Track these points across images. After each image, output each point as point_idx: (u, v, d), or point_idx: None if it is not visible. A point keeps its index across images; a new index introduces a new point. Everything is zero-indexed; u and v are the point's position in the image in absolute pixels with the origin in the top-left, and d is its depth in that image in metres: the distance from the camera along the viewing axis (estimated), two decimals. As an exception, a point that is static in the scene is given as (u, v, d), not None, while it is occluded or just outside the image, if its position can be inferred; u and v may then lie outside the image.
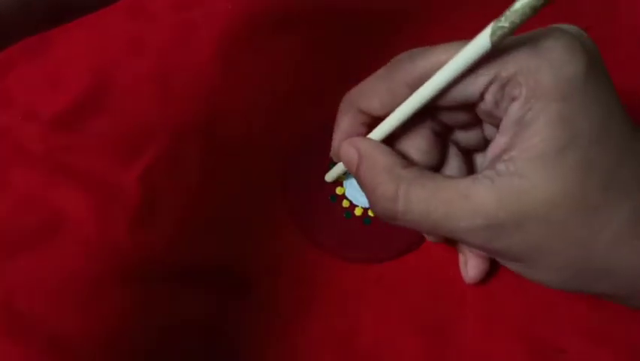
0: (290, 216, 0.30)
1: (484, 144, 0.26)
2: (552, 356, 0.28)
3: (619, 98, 0.22)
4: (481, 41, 0.20)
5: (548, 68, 0.21)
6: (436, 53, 0.22)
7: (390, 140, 0.25)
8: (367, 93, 0.25)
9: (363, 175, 0.24)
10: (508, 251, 0.22)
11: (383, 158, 0.24)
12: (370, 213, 0.30)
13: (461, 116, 0.24)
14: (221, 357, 0.27)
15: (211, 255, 0.29)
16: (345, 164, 0.25)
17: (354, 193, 0.30)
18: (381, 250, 0.29)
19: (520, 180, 0.21)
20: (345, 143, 0.25)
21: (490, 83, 0.21)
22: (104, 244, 0.28)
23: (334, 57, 0.34)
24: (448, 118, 0.25)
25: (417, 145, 0.25)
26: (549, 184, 0.21)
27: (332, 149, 0.26)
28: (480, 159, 0.27)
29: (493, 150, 0.23)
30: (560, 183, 0.21)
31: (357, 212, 0.30)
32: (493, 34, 0.20)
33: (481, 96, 0.22)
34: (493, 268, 0.29)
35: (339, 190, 0.30)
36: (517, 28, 0.20)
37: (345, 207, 0.30)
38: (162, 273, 0.28)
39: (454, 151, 0.26)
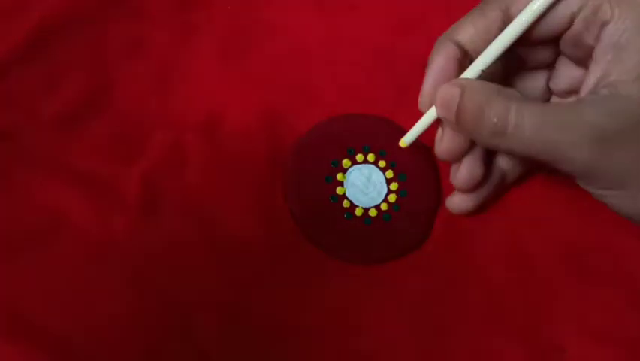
0: (290, 216, 0.30)
1: (544, 96, 0.27)
2: (552, 356, 0.28)
3: None
4: None
5: None
6: None
7: None
8: (462, 24, 0.25)
9: (467, 102, 0.24)
10: (609, 170, 0.22)
11: (488, 85, 0.24)
12: (371, 214, 0.30)
13: (540, 54, 0.25)
14: (221, 357, 0.27)
15: (211, 255, 0.29)
16: (444, 103, 0.25)
17: (354, 193, 0.30)
18: (381, 250, 0.29)
19: (626, 100, 0.22)
20: (444, 85, 0.25)
21: (582, 6, 0.22)
22: (104, 244, 0.28)
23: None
24: (528, 56, 0.26)
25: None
26: None
27: (421, 94, 0.26)
28: None
29: (589, 79, 0.23)
30: None
31: (358, 212, 0.30)
32: None
33: (572, 20, 0.23)
34: (493, 268, 0.29)
35: (339, 190, 0.30)
36: None
37: (346, 208, 0.30)
38: (162, 273, 0.28)
39: None
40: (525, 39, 0.24)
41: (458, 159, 0.28)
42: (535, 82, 0.27)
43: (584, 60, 0.24)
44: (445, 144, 0.27)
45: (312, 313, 0.28)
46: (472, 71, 0.25)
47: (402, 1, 0.35)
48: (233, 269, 0.29)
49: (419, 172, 0.31)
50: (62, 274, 0.28)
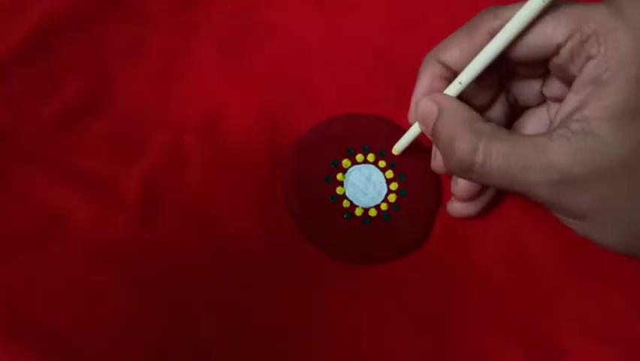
0: (290, 216, 0.30)
1: (538, 99, 0.27)
2: (552, 355, 0.28)
3: None
4: None
5: (630, 31, 0.21)
6: (518, 6, 0.23)
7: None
8: (448, 44, 0.26)
9: (441, 127, 0.25)
10: (576, 207, 0.23)
11: (464, 111, 0.25)
12: (371, 214, 0.30)
13: (532, 70, 0.26)
14: (221, 357, 0.27)
15: (211, 255, 0.29)
16: (423, 119, 0.26)
17: (354, 193, 0.30)
18: (381, 250, 0.29)
19: (594, 138, 0.22)
20: (424, 98, 0.26)
21: (569, 37, 0.22)
22: (104, 244, 0.28)
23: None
24: (519, 70, 0.27)
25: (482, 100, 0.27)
26: (621, 144, 0.22)
27: (411, 107, 0.27)
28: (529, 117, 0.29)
29: (565, 107, 0.23)
30: (632, 144, 0.22)
31: (358, 212, 0.30)
32: None
33: (558, 49, 0.23)
34: (493, 268, 0.29)
35: (339, 190, 0.30)
36: None
37: (346, 208, 0.30)
38: (162, 273, 0.28)
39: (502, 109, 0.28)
40: (514, 60, 0.25)
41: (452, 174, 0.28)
42: (530, 87, 0.28)
43: (570, 82, 0.24)
44: (439, 160, 0.27)
45: (312, 313, 0.28)
46: (454, 87, 0.26)
47: (402, 1, 0.35)
48: (233, 269, 0.29)
49: (419, 172, 0.31)
50: (62, 274, 0.28)
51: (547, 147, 0.22)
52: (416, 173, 0.31)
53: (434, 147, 0.28)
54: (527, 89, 0.28)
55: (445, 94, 0.26)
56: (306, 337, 0.28)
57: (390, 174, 0.30)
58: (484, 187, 0.29)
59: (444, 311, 0.28)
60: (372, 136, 0.31)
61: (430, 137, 0.26)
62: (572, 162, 0.22)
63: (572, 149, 0.22)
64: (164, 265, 0.28)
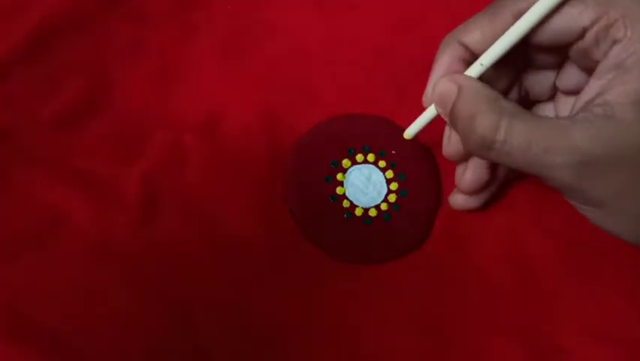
0: (290, 216, 0.30)
1: (549, 93, 0.27)
2: (552, 356, 0.28)
3: None
4: None
5: None
6: None
7: None
8: (470, 26, 0.26)
9: (462, 105, 0.24)
10: (594, 191, 0.23)
11: (485, 90, 0.24)
12: (371, 214, 0.30)
13: (550, 58, 0.26)
14: (221, 357, 0.27)
15: (211, 255, 0.29)
16: (441, 99, 0.25)
17: (354, 193, 0.30)
18: (381, 250, 0.29)
19: (617, 123, 0.22)
20: (443, 78, 0.25)
21: (595, 21, 0.22)
22: (104, 244, 0.28)
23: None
24: (537, 58, 0.26)
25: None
26: None
27: (427, 89, 0.27)
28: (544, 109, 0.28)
29: (587, 93, 0.23)
30: None
31: (358, 212, 0.30)
32: None
33: (583, 33, 0.23)
34: (493, 268, 0.29)
35: (339, 190, 0.30)
36: None
37: (346, 208, 0.30)
38: (162, 273, 0.28)
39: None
40: (535, 45, 0.25)
41: (465, 159, 0.28)
42: (543, 79, 0.27)
43: (590, 70, 0.24)
44: (453, 144, 0.27)
45: (312, 313, 0.28)
46: (474, 69, 0.25)
47: (402, 1, 0.35)
48: (233, 269, 0.29)
49: (419, 172, 0.31)
50: (62, 274, 0.28)
51: (569, 128, 0.22)
52: (416, 173, 0.31)
53: (447, 132, 0.27)
54: (541, 81, 0.27)
55: (466, 75, 0.25)
56: (306, 337, 0.28)
57: (390, 174, 0.30)
58: (489, 181, 0.28)
59: (444, 311, 0.28)
60: (372, 136, 0.31)
61: (446, 118, 0.26)
62: (595, 144, 0.22)
63: (595, 131, 0.22)
64: (164, 265, 0.28)
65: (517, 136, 0.23)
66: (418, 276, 0.29)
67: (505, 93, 0.28)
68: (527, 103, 0.29)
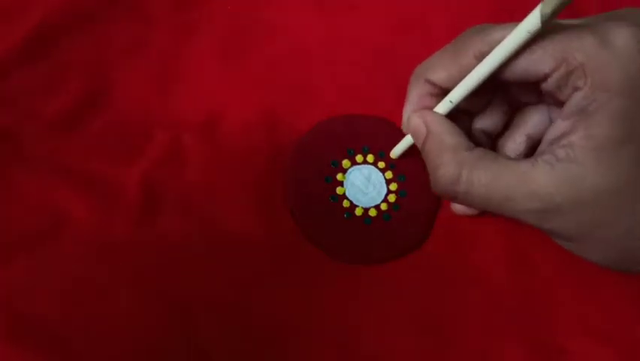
0: (290, 216, 0.30)
1: (538, 98, 0.27)
2: (552, 356, 0.28)
3: None
4: (532, 19, 0.22)
5: (616, 64, 0.22)
6: (505, 28, 0.23)
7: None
8: (435, 65, 0.26)
9: (428, 151, 0.26)
10: (560, 231, 0.24)
11: (448, 137, 0.25)
12: (371, 214, 0.30)
13: (528, 95, 0.27)
14: (221, 357, 0.27)
15: (211, 255, 0.29)
16: (414, 135, 0.27)
17: (354, 193, 0.30)
18: (381, 250, 0.29)
19: (578, 167, 0.22)
20: (414, 115, 0.27)
21: (556, 68, 0.23)
22: (104, 244, 0.28)
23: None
24: (516, 94, 0.27)
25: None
26: (604, 174, 0.22)
27: (402, 120, 0.28)
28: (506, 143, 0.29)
29: (553, 132, 0.24)
30: (614, 174, 0.22)
31: (358, 212, 0.30)
32: (542, 13, 0.21)
33: (545, 77, 0.23)
34: (493, 268, 0.29)
35: (339, 190, 0.30)
36: (561, 10, 0.21)
37: (346, 207, 0.30)
38: (162, 273, 0.28)
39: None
40: (504, 80, 0.25)
41: None
42: (528, 90, 0.27)
43: (561, 104, 0.24)
44: None
45: (312, 313, 0.28)
46: (444, 106, 0.26)
47: (402, 1, 0.35)
48: (233, 269, 0.29)
49: (418, 173, 0.31)
50: (62, 274, 0.28)
51: (530, 174, 0.23)
52: (415, 174, 0.31)
53: None
54: (526, 91, 0.28)
55: (435, 112, 0.26)
56: (306, 337, 0.28)
57: (389, 174, 0.30)
58: None
59: (444, 311, 0.28)
60: (371, 136, 0.31)
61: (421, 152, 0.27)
62: (555, 190, 0.22)
63: (555, 177, 0.22)
64: (164, 265, 0.28)
65: (477, 187, 0.24)
66: (418, 276, 0.29)
67: (490, 101, 0.28)
68: (519, 103, 0.29)
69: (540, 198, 0.23)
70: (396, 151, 0.30)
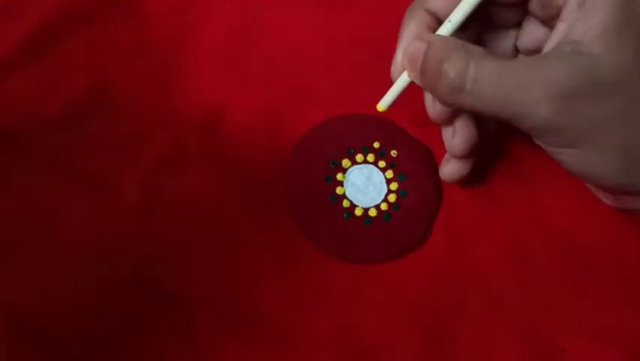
0: (290, 216, 0.30)
1: (511, 56, 0.27)
2: (552, 356, 0.28)
3: None
4: None
5: None
6: None
7: None
8: None
9: (430, 56, 0.24)
10: (574, 125, 0.23)
11: (454, 40, 0.24)
12: (371, 214, 0.30)
13: (510, 14, 0.26)
14: (221, 357, 0.27)
15: (211, 255, 0.29)
16: (411, 59, 0.25)
17: (354, 193, 0.30)
18: (381, 250, 0.29)
19: (587, 57, 0.22)
20: (412, 41, 0.25)
21: None
22: (104, 244, 0.28)
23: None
24: (498, 16, 0.27)
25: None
26: (614, 59, 0.22)
27: (395, 57, 0.27)
28: None
29: (554, 37, 0.24)
30: (620, 56, 0.22)
31: (358, 212, 0.30)
32: None
33: None
34: (493, 268, 0.29)
35: (339, 190, 0.30)
36: None
37: (346, 207, 0.30)
38: (162, 273, 0.28)
39: None
40: (497, 1, 0.25)
41: (451, 121, 0.27)
42: (504, 41, 0.28)
43: (550, 20, 0.24)
44: (438, 104, 0.27)
45: (312, 313, 0.28)
46: (444, 27, 0.25)
47: (402, 1, 0.34)
48: (234, 269, 0.29)
49: (419, 172, 0.31)
50: (62, 274, 0.28)
51: (541, 64, 0.23)
52: (416, 173, 0.31)
53: (427, 97, 0.27)
54: (501, 43, 0.28)
55: (435, 34, 0.26)
56: (306, 336, 0.28)
57: (390, 174, 0.30)
58: (478, 140, 0.28)
59: (444, 311, 0.28)
60: (372, 136, 0.31)
61: (417, 80, 0.25)
62: (567, 77, 0.22)
63: (567, 65, 0.22)
64: (164, 265, 0.28)
65: (488, 75, 0.23)
66: (418, 276, 0.29)
67: None
68: None
69: (556, 83, 0.22)
70: (384, 102, 0.28)
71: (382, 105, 0.28)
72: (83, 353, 0.27)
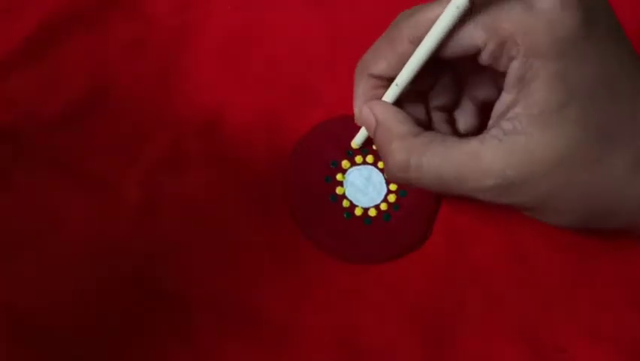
0: (290, 216, 0.30)
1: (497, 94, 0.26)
2: (552, 356, 0.28)
3: (628, 43, 0.23)
4: None
5: (543, 28, 0.21)
6: (434, 7, 0.23)
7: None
8: (374, 57, 0.26)
9: (379, 141, 0.26)
10: (518, 205, 0.23)
11: (396, 126, 0.25)
12: (370, 213, 0.30)
13: (474, 69, 0.26)
14: (221, 357, 0.27)
15: (211, 255, 0.29)
16: (365, 127, 0.27)
17: (354, 193, 0.30)
18: (381, 250, 0.29)
19: (526, 138, 0.22)
20: (364, 107, 0.26)
21: (488, 40, 0.22)
22: (104, 244, 0.28)
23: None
24: (463, 69, 0.27)
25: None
26: (552, 141, 0.22)
27: (355, 114, 0.28)
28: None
29: (499, 106, 0.24)
30: (562, 139, 0.22)
31: (357, 212, 0.30)
32: None
33: (480, 50, 0.23)
34: (493, 268, 0.29)
35: (339, 190, 0.30)
36: None
37: (345, 207, 0.30)
38: (162, 273, 0.28)
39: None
40: (446, 58, 0.24)
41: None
42: (483, 85, 0.27)
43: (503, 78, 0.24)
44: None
45: (312, 313, 0.28)
46: (391, 91, 0.26)
47: (402, 1, 0.34)
48: (234, 269, 0.29)
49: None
50: (62, 274, 0.28)
51: (479, 152, 0.23)
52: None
53: None
54: (472, 65, 0.27)
55: (383, 102, 0.26)
56: (306, 336, 0.28)
57: (390, 174, 0.30)
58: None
59: (444, 311, 0.28)
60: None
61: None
62: (505, 165, 0.22)
63: (504, 151, 0.22)
64: (164, 265, 0.28)
65: (427, 172, 0.24)
66: (418, 276, 0.29)
67: (458, 101, 0.28)
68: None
69: (492, 174, 0.22)
70: (356, 141, 0.30)
71: (355, 144, 0.30)
72: (83, 353, 0.27)
